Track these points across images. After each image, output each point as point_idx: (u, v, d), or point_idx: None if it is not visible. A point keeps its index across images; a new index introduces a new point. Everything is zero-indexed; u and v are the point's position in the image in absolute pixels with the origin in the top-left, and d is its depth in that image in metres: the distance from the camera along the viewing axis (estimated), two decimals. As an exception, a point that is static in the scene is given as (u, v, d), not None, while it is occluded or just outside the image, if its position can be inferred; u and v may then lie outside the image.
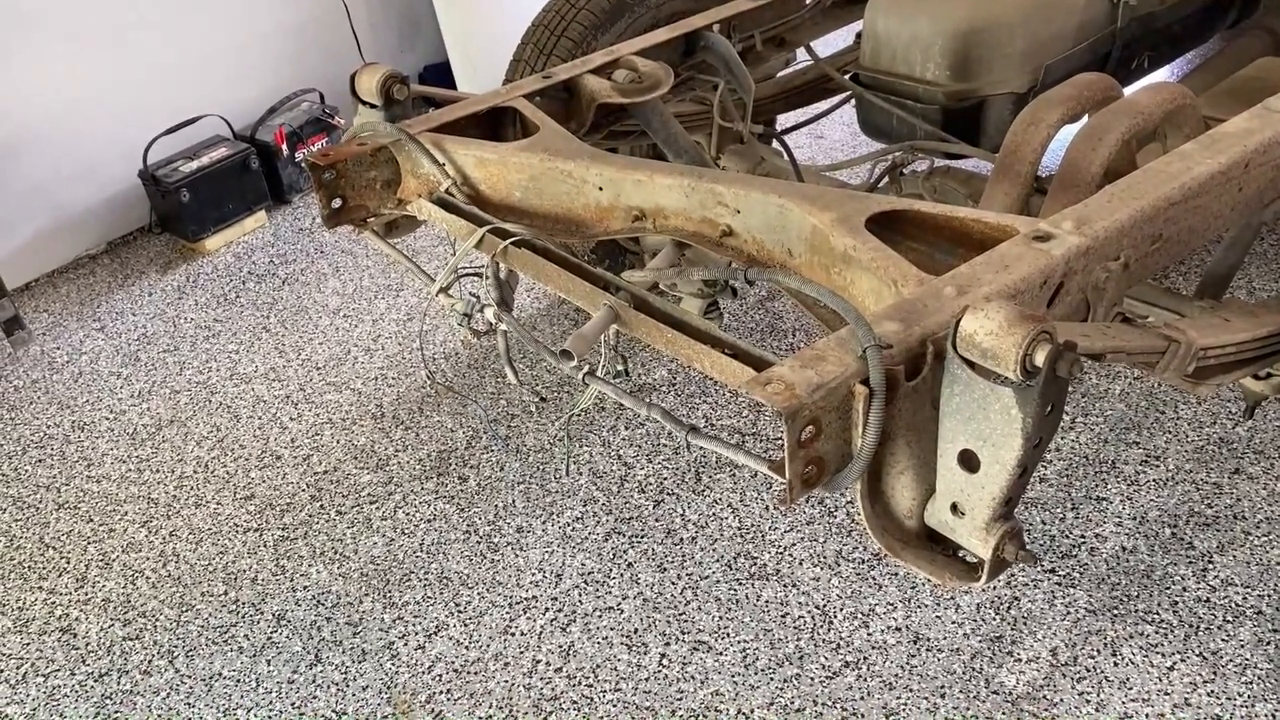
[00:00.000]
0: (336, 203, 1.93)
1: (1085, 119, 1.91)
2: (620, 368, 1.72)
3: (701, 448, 1.37)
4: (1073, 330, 1.25)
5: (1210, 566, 2.01)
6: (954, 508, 1.20)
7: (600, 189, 1.75)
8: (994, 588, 2.01)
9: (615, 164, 1.73)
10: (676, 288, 1.80)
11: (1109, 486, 2.20)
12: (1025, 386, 1.07)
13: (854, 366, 1.16)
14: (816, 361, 1.17)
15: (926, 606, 2.02)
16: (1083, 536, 2.10)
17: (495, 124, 2.05)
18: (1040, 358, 1.05)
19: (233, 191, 3.75)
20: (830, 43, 2.81)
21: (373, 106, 2.02)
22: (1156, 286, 1.91)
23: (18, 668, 2.18)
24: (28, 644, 2.23)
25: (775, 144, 2.65)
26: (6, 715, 2.08)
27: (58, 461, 2.77)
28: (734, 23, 2.45)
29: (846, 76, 2.64)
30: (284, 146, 3.86)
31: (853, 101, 2.57)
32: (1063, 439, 2.34)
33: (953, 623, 1.98)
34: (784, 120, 3.14)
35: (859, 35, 2.57)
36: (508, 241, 1.67)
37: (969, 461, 1.16)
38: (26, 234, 3.58)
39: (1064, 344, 1.06)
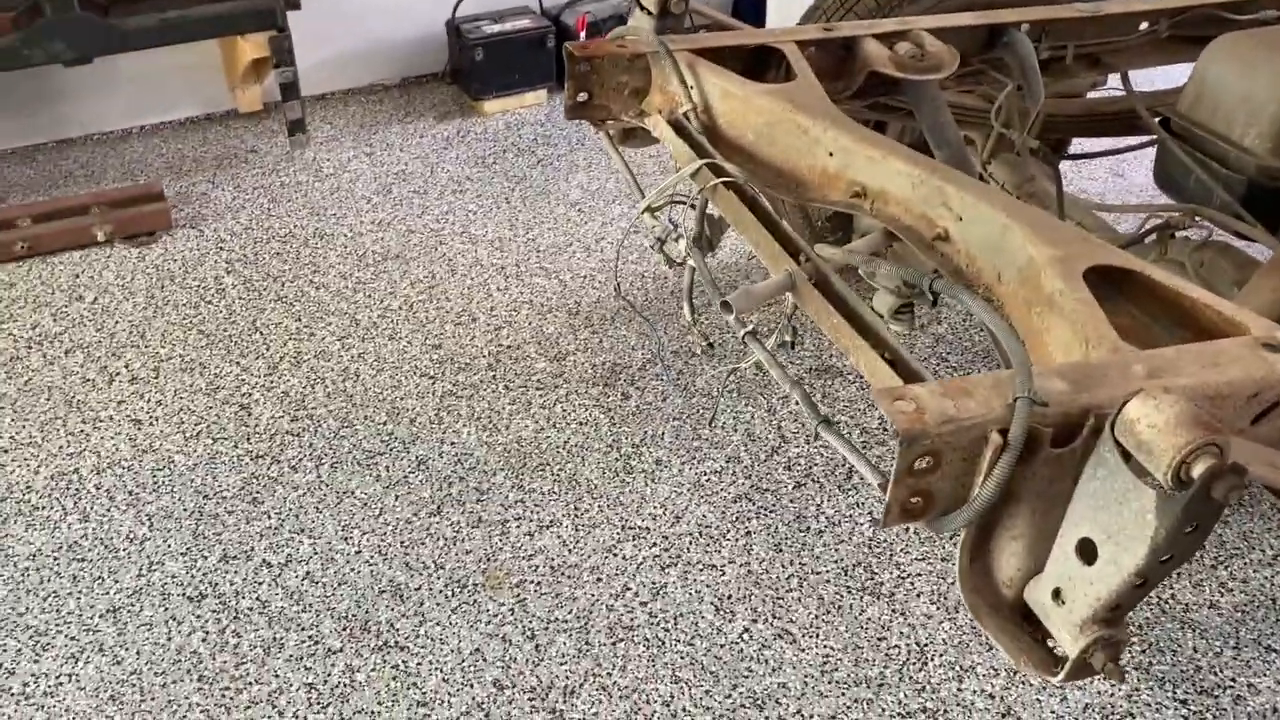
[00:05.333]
0: (583, 96, 1.96)
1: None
2: (788, 338, 1.67)
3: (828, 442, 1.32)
4: (1258, 454, 1.10)
5: (1369, 767, 1.76)
6: (1056, 593, 1.10)
7: (831, 155, 1.68)
8: (1110, 693, 1.85)
9: (854, 135, 1.66)
10: (875, 276, 1.72)
11: (1287, 641, 1.96)
12: (1171, 495, 0.95)
13: (998, 412, 1.07)
14: (960, 394, 1.09)
15: (1030, 686, 1.88)
16: (1233, 680, 1.89)
17: (761, 63, 2.01)
18: (1198, 470, 0.93)
19: (523, 63, 3.87)
20: (1151, 78, 2.57)
21: (648, 13, 2.03)
22: None
23: (195, 424, 2.42)
24: (210, 408, 2.47)
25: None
26: (173, 462, 2.32)
27: (292, 260, 3.02)
28: (1048, 28, 2.26)
29: (1157, 119, 2.40)
30: (583, 34, 3.94)
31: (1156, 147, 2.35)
32: (1255, 573, 2.10)
33: (1052, 713, 1.84)
34: (1087, 145, 2.91)
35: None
36: (718, 180, 1.64)
37: (1087, 551, 1.06)
38: (334, 50, 3.86)
39: (1231, 465, 0.93)
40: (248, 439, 2.38)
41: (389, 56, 4.00)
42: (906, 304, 1.75)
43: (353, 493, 2.25)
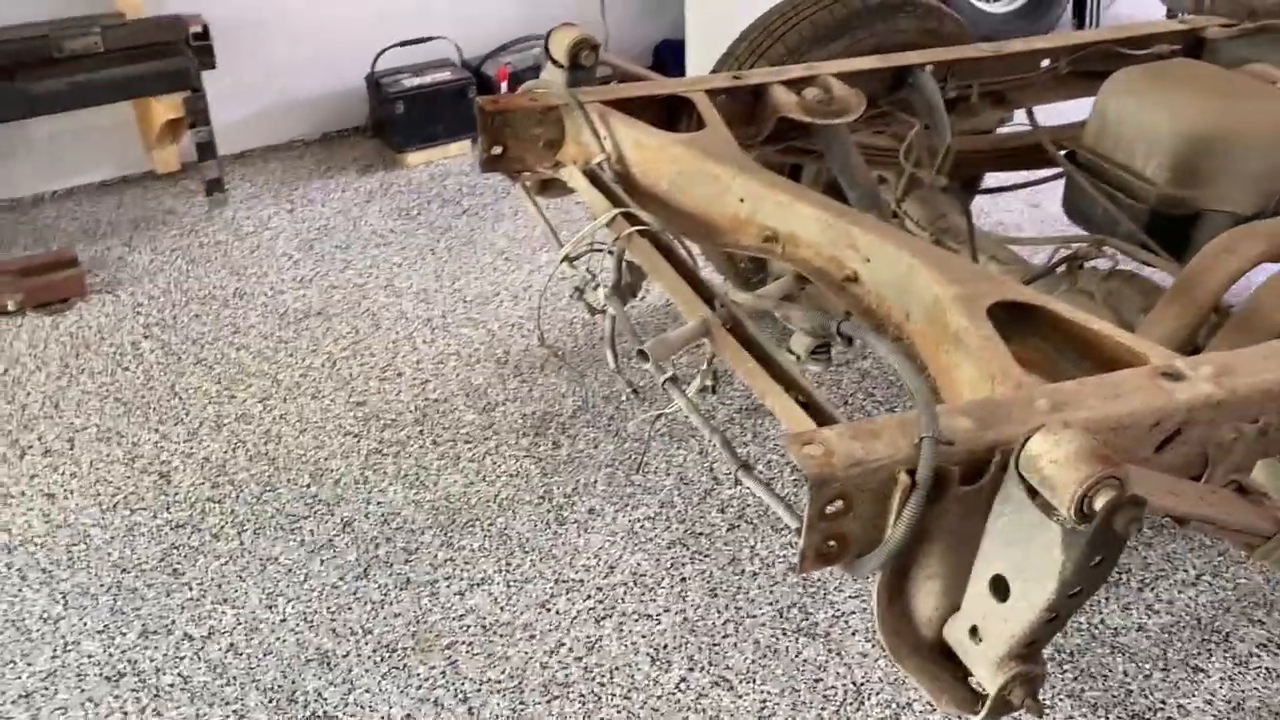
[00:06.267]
0: (497, 149, 1.96)
1: (1293, 261, 1.72)
2: (709, 383, 1.67)
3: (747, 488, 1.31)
4: (1159, 484, 1.12)
5: (1298, 782, 1.79)
6: (973, 631, 1.11)
7: (741, 200, 1.70)
8: (1045, 724, 1.86)
9: (762, 180, 1.68)
10: (790, 320, 1.73)
11: (1213, 659, 1.99)
12: (1075, 529, 0.96)
13: (905, 452, 1.08)
14: (868, 436, 1.09)
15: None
16: (1163, 702, 1.91)
17: (672, 112, 2.03)
18: (1099, 503, 0.94)
19: (445, 115, 3.88)
20: (1059, 112, 2.64)
21: (559, 66, 2.04)
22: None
23: (112, 496, 2.35)
24: (129, 478, 2.40)
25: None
26: (89, 536, 2.25)
27: (211, 321, 2.96)
28: (953, 68, 2.32)
29: (1063, 153, 2.47)
30: (504, 86, 3.96)
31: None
32: (1180, 593, 2.13)
33: (990, 746, 1.84)
34: (1000, 179, 2.97)
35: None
36: (633, 229, 1.65)
37: (1000, 588, 1.06)
38: (254, 107, 3.83)
39: (1130, 497, 0.95)
40: (167, 508, 2.32)
41: (309, 112, 3.97)
42: (823, 344, 1.77)
43: (276, 559, 2.20)
